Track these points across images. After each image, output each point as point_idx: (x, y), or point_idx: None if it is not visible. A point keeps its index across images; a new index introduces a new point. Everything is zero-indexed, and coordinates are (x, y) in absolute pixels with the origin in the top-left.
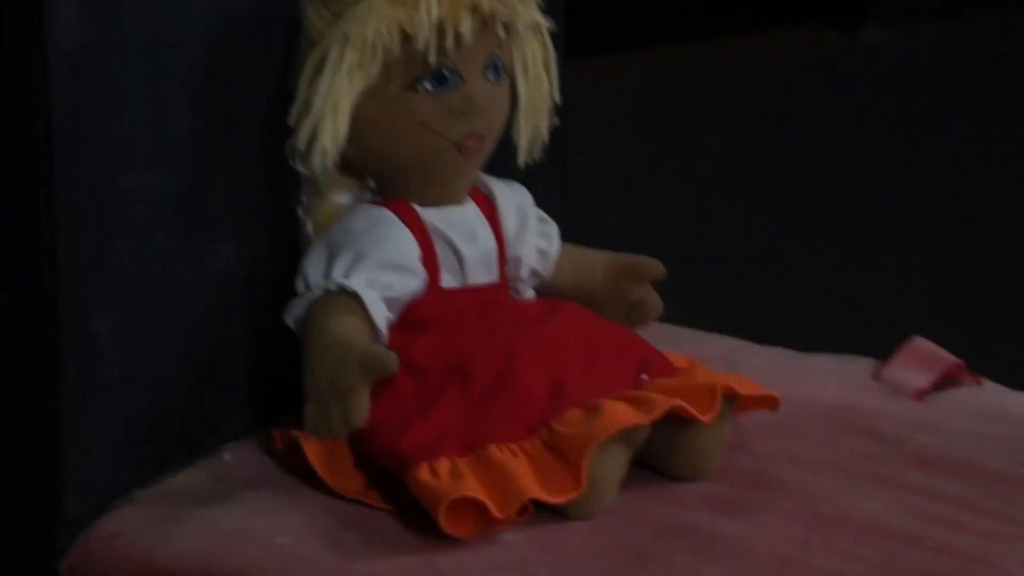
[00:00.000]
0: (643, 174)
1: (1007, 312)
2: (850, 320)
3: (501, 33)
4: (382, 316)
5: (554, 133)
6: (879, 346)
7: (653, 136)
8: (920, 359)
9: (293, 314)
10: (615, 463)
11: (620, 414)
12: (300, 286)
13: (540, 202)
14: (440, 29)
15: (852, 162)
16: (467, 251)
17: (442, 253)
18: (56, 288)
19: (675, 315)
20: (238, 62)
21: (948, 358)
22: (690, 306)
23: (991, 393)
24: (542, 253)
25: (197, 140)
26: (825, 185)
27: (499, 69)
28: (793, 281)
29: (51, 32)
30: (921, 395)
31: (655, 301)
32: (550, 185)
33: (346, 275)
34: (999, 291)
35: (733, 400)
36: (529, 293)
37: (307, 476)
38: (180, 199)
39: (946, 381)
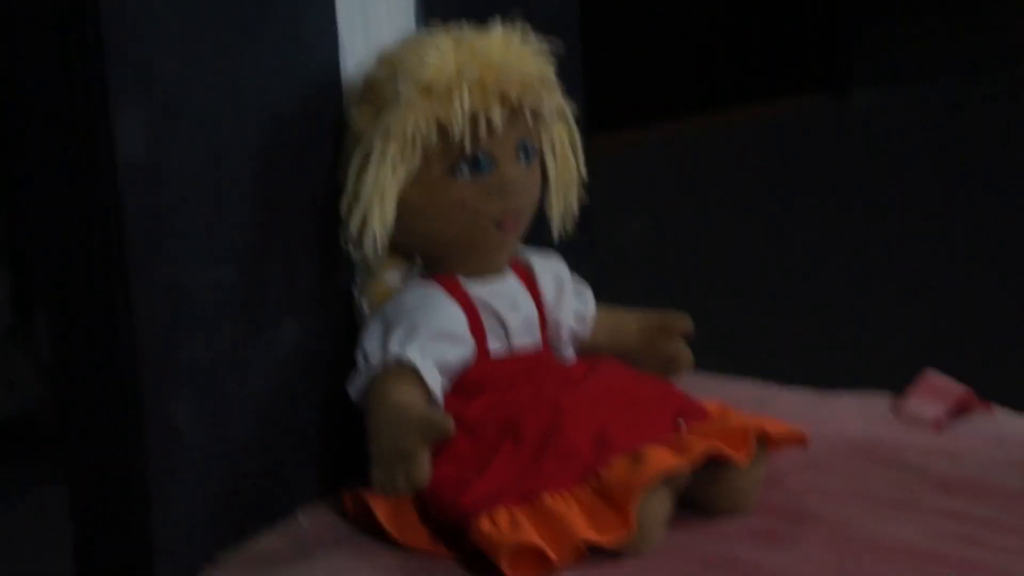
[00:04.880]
0: (663, 237)
1: (1010, 340)
2: (866, 358)
3: (529, 119)
4: (437, 383)
5: (582, 206)
6: (895, 380)
7: (670, 202)
8: (934, 391)
9: (355, 387)
10: (660, 504)
11: (662, 459)
12: (360, 360)
13: (574, 269)
14: (473, 118)
15: (855, 212)
16: (511, 318)
17: (488, 321)
18: (137, 379)
19: (706, 364)
20: (290, 159)
21: (960, 388)
22: (719, 355)
23: (1002, 419)
24: (579, 315)
25: (256, 235)
26: (831, 235)
27: (529, 151)
28: (810, 325)
29: (120, 145)
30: (938, 425)
31: (686, 353)
32: (582, 253)
33: (402, 347)
34: (1000, 322)
35: (765, 440)
36: (570, 353)
37: (377, 533)
38: (244, 290)
39: (959, 410)
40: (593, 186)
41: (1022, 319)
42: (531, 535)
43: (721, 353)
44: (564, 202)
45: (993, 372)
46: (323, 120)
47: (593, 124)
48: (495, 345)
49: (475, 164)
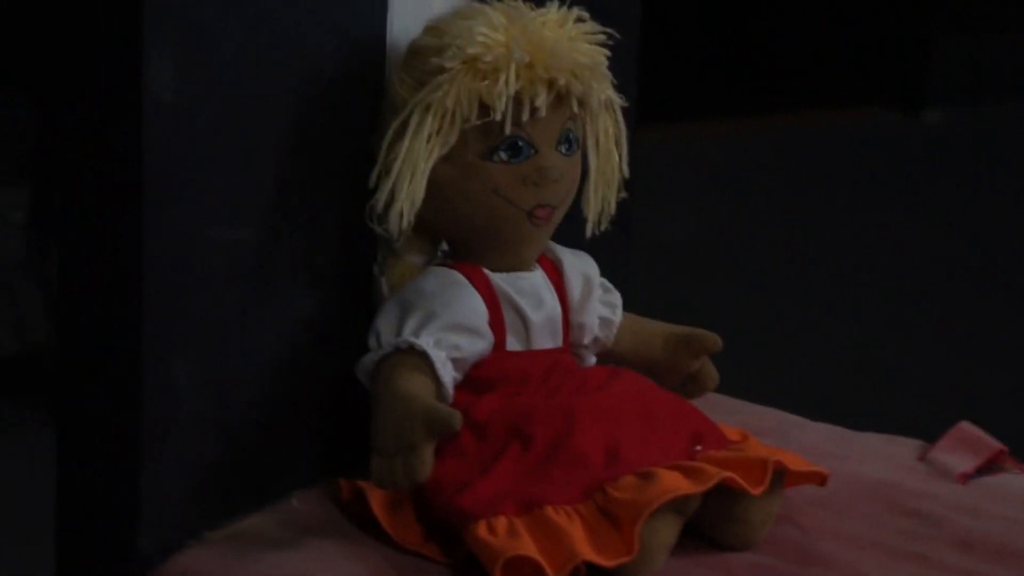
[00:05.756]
0: (704, 243)
1: None
2: (900, 400)
3: (575, 107)
4: (448, 375)
5: (621, 204)
6: (926, 429)
7: (716, 206)
8: (966, 443)
9: (364, 369)
10: (666, 530)
11: (673, 483)
12: (372, 342)
13: (605, 271)
14: (517, 101)
15: (913, 240)
16: (533, 316)
17: (509, 317)
18: (140, 333)
19: (730, 385)
20: (323, 122)
21: (993, 444)
22: (745, 377)
23: None
24: (605, 321)
25: (280, 195)
26: (885, 263)
27: (572, 142)
28: (846, 357)
29: (148, 85)
30: (965, 478)
31: (712, 373)
32: (615, 254)
33: (416, 334)
34: None
35: (783, 474)
36: (590, 359)
37: (370, 526)
38: (260, 251)
39: (990, 466)
40: (636, 181)
41: None
42: (529, 547)
43: (748, 374)
44: (602, 199)
45: None
46: (362, 83)
47: (645, 114)
48: (514, 343)
49: (514, 149)
